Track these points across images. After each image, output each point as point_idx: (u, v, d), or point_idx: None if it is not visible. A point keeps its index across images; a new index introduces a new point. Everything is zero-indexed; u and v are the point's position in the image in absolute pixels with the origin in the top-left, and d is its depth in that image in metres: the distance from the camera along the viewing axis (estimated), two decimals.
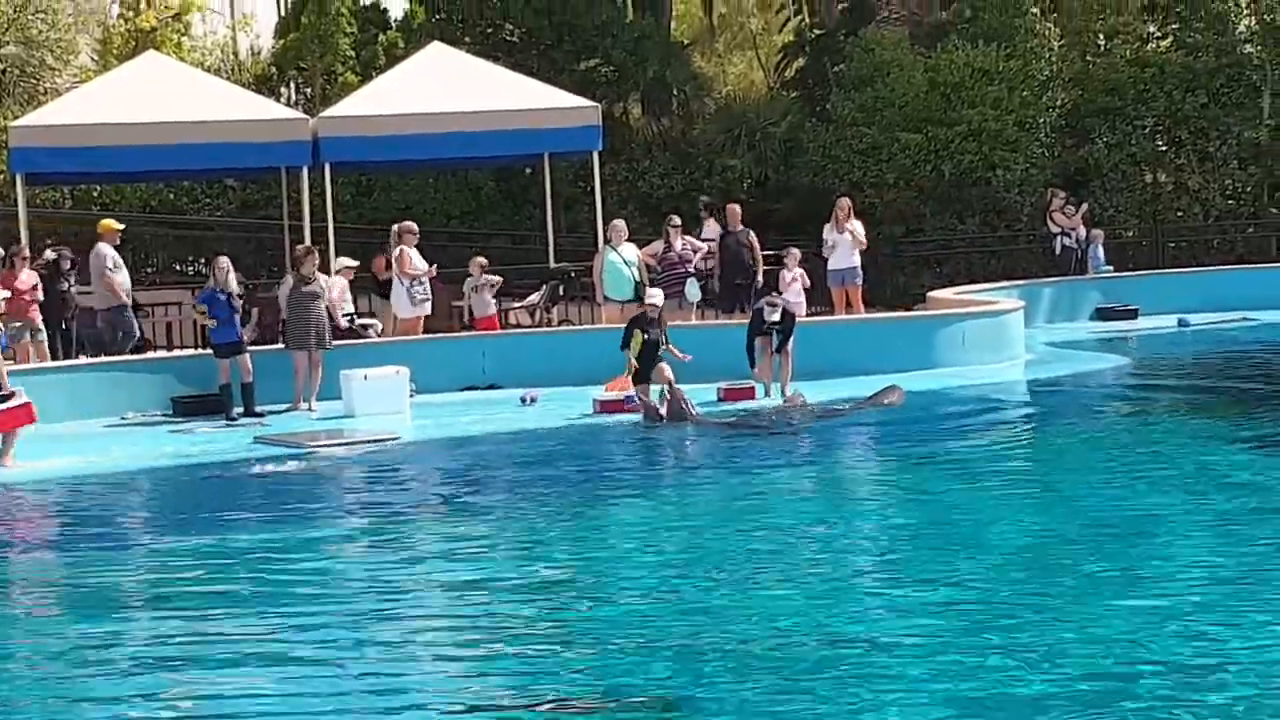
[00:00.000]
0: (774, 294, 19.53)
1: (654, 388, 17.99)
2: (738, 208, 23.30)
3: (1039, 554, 10.72)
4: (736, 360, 18.90)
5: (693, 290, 21.34)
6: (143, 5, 40.16)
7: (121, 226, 21.50)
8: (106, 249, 20.79)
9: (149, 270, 30.32)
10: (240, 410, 18.57)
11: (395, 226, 21.75)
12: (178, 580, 10.88)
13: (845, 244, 22.84)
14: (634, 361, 17.95)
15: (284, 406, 19.01)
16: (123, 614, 10.03)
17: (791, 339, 18.83)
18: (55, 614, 10.34)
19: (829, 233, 23.04)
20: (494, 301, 21.94)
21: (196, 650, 8.98)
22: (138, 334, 21.13)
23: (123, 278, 20.76)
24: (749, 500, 13.28)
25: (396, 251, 21.16)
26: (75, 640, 9.31)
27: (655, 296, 18.73)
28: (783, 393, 18.56)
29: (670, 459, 15.86)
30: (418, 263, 21.17)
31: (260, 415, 18.52)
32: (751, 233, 22.85)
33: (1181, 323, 25.52)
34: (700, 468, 15.29)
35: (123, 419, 18.75)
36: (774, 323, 18.71)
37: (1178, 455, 14.48)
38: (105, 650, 9.06)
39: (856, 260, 22.91)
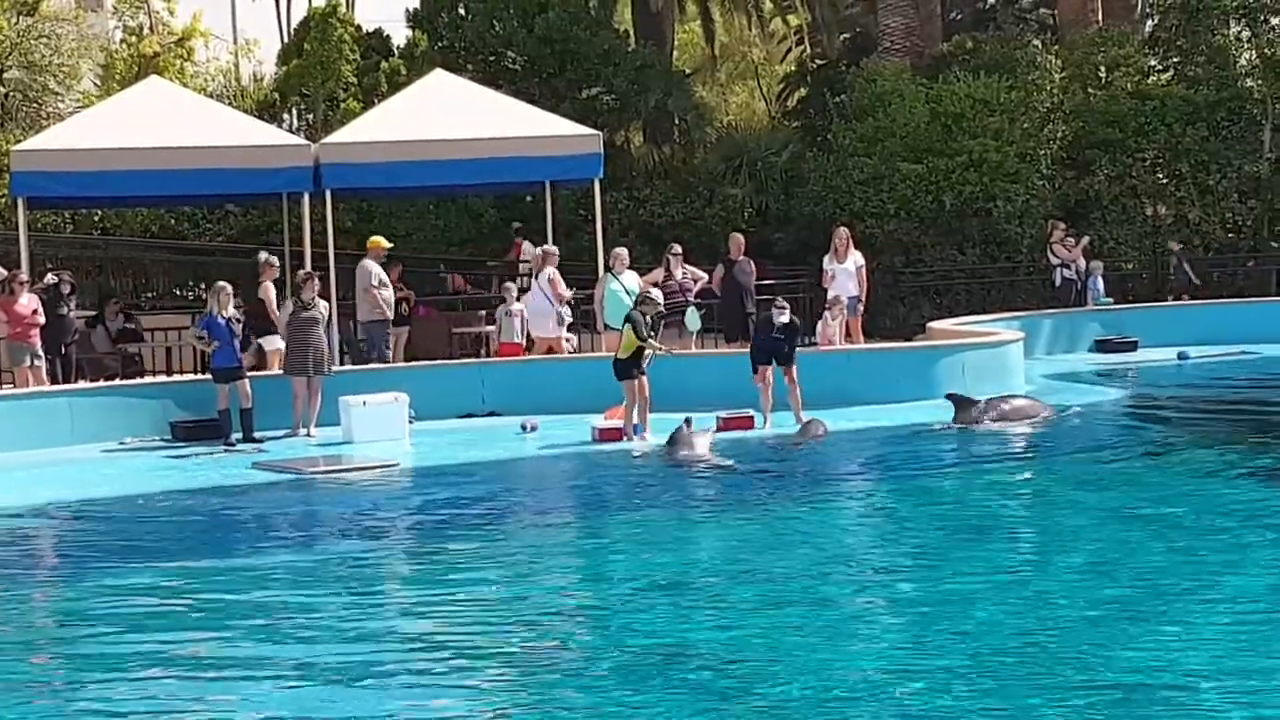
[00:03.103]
0: (781, 298, 19.51)
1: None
2: (741, 237, 23.33)
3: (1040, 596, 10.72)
4: (736, 388, 18.86)
5: (693, 319, 21.33)
6: (146, 31, 40.34)
7: (389, 245, 22.10)
8: (372, 265, 21.37)
9: (149, 295, 30.34)
10: (239, 436, 18.55)
11: (539, 250, 22.20)
12: (163, 607, 10.87)
13: (846, 274, 22.85)
14: (634, 336, 17.98)
15: (283, 432, 19.00)
16: (116, 637, 10.03)
17: (795, 366, 18.74)
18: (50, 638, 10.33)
19: (829, 262, 23.03)
20: (520, 328, 21.99)
21: (170, 688, 8.96)
22: (389, 355, 21.56)
23: (387, 294, 21.38)
24: (751, 534, 13.26)
25: (547, 273, 21.51)
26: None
27: (658, 294, 18.78)
28: (797, 420, 18.49)
29: (671, 488, 15.75)
30: (564, 287, 21.67)
31: (259, 441, 18.50)
32: (752, 262, 22.90)
33: (1181, 355, 25.51)
34: (707, 499, 15.17)
35: (121, 444, 18.72)
36: (782, 324, 18.67)
37: (1176, 488, 14.48)
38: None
39: (855, 290, 22.91)
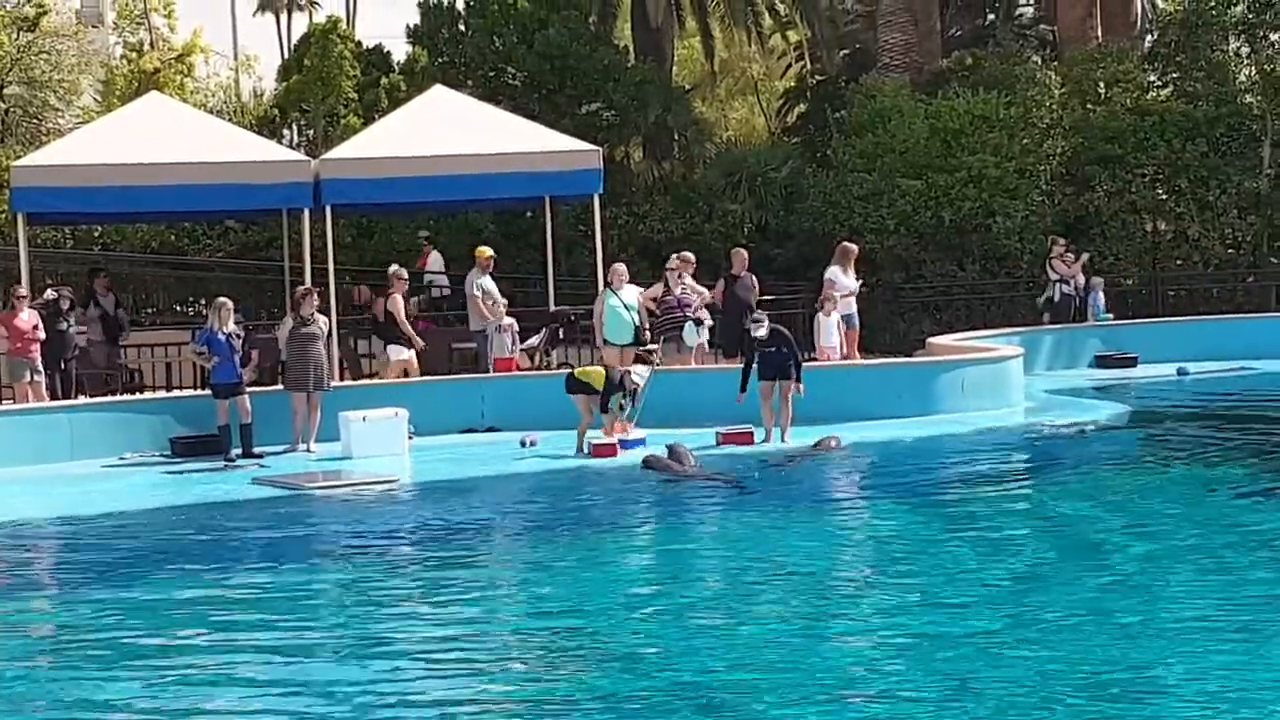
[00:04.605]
0: (758, 312, 19.49)
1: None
2: (744, 253, 23.28)
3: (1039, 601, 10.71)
4: (734, 403, 18.81)
5: (690, 334, 21.32)
6: (146, 47, 40.44)
7: (492, 253, 22.60)
8: (474, 275, 22.06)
9: (149, 310, 30.35)
10: (238, 451, 18.55)
11: (675, 256, 22.18)
12: (162, 626, 10.84)
13: (851, 289, 22.83)
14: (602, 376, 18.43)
15: (283, 447, 18.99)
16: (113, 659, 10.01)
17: (798, 386, 18.69)
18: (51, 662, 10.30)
19: (839, 275, 22.83)
20: (510, 343, 22.04)
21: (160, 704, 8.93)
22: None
23: (492, 303, 21.85)
24: (750, 543, 13.26)
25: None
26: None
27: (640, 375, 18.85)
28: (782, 438, 18.54)
29: (670, 504, 15.71)
30: (703, 292, 21.83)
31: (258, 456, 18.49)
32: (753, 277, 22.87)
33: (1181, 371, 25.52)
34: (709, 514, 15.14)
35: (121, 459, 18.72)
36: (760, 339, 18.66)
37: (1177, 503, 14.48)
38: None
39: (854, 307, 22.91)
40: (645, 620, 10.63)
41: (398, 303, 21.52)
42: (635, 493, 16.16)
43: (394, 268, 22.24)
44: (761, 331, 18.66)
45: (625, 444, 18.23)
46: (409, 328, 21.54)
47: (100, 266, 26.06)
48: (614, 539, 13.93)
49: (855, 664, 9.32)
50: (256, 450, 18.64)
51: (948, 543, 13.09)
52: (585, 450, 18.06)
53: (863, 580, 11.95)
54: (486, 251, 22.67)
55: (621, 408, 18.56)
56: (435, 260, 27.29)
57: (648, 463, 17.19)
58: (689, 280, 22.05)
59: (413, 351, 21.48)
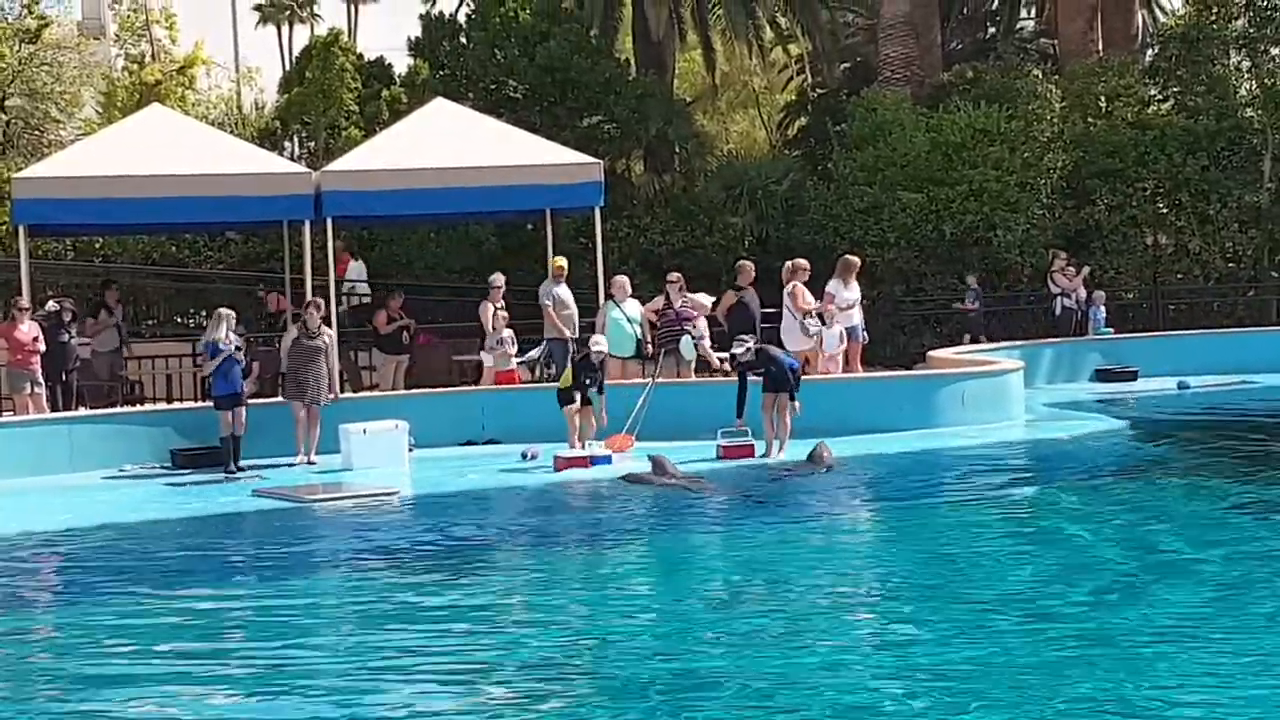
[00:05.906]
0: (742, 335, 19.50)
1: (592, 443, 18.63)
2: (750, 266, 23.26)
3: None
4: (735, 416, 18.82)
5: (688, 347, 21.28)
6: (148, 59, 40.42)
7: (564, 263, 22.75)
8: (547, 285, 22.32)
9: (150, 322, 30.34)
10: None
11: (789, 263, 22.29)
12: (159, 637, 10.82)
13: (854, 302, 22.80)
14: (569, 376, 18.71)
15: (285, 460, 18.98)
16: (112, 667, 10.00)
17: (796, 403, 18.69)
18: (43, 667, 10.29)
19: (839, 289, 22.81)
20: (514, 356, 22.07)
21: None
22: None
23: (566, 313, 22.09)
24: (741, 555, 13.25)
25: (790, 287, 21.67)
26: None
27: (599, 344, 18.97)
28: (780, 450, 18.53)
29: (666, 517, 15.71)
30: (810, 298, 21.87)
31: (242, 470, 18.42)
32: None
33: (1181, 385, 25.52)
34: (699, 526, 15.15)
35: (121, 471, 18.72)
36: (734, 355, 18.71)
37: (1177, 518, 14.48)
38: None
39: (857, 318, 22.88)
40: (645, 637, 10.60)
41: (486, 310, 21.78)
42: (631, 506, 16.13)
43: (494, 276, 22.70)
44: (739, 350, 18.71)
45: (594, 460, 18.25)
46: (491, 333, 21.81)
47: (112, 279, 26.12)
48: (614, 553, 13.91)
49: (846, 677, 9.32)
50: (244, 464, 18.60)
51: (941, 553, 13.08)
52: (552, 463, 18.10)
53: (863, 595, 11.93)
54: (559, 261, 22.77)
55: (591, 381, 18.69)
56: (355, 269, 27.40)
57: (629, 478, 17.17)
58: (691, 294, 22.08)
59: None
